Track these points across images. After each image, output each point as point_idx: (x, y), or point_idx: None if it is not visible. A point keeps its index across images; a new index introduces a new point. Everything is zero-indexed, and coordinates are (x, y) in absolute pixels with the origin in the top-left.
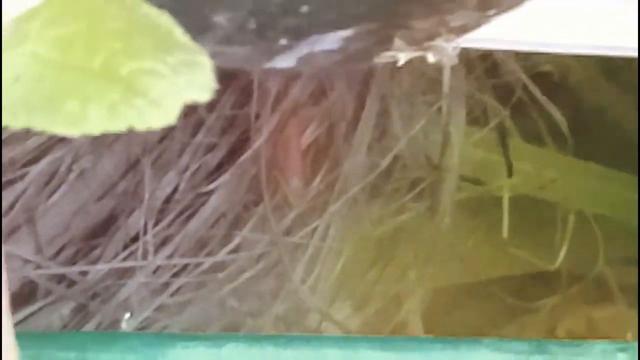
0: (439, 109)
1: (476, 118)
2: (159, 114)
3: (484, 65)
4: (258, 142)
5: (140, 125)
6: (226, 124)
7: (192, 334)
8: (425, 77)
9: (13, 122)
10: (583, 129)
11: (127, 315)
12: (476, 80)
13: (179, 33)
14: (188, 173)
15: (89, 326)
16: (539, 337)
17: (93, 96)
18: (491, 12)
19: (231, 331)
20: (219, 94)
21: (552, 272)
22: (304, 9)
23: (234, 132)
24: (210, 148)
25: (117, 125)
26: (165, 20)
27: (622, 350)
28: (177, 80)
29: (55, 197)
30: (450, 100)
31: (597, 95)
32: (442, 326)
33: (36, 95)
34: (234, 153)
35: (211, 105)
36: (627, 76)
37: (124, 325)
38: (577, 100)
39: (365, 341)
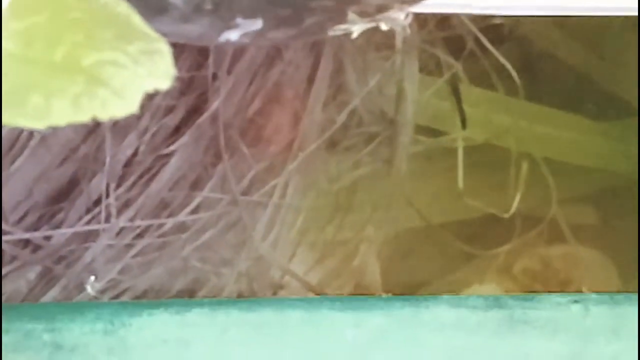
0: (393, 64)
1: (430, 71)
2: (121, 104)
3: (435, 19)
4: (216, 103)
5: (104, 116)
6: (184, 86)
7: (157, 301)
8: (378, 33)
9: None
10: (533, 74)
11: (92, 278)
12: (428, 34)
13: (138, 21)
14: (148, 135)
15: (55, 290)
16: (496, 278)
17: (56, 89)
18: None
19: (195, 289)
20: (176, 56)
21: (507, 219)
22: None
23: (192, 93)
24: (169, 110)
25: (81, 117)
26: (124, 8)
27: (576, 302)
28: (138, 70)
29: (17, 163)
30: (403, 54)
31: (548, 41)
32: (399, 273)
33: (2, 89)
34: (192, 115)
35: None
36: (574, 20)
37: (89, 289)
38: (527, 47)
39: (326, 301)
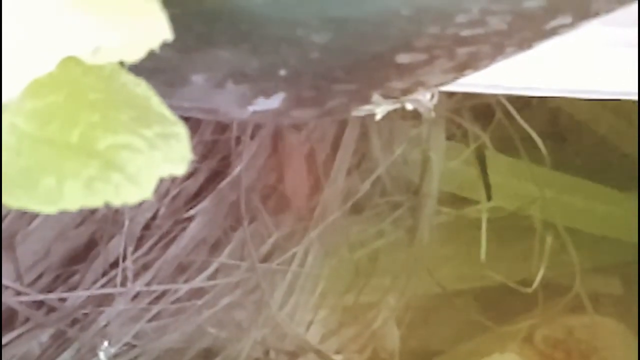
0: (420, 133)
1: (456, 141)
2: (135, 190)
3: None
4: (238, 168)
5: (117, 201)
6: (206, 150)
7: None
8: None
9: None
10: (561, 143)
11: (105, 343)
12: (456, 103)
13: (156, 103)
14: (168, 199)
15: (68, 353)
16: (516, 348)
17: (70, 172)
18: (467, 72)
19: (210, 356)
20: (200, 119)
21: (529, 294)
22: (282, 72)
23: (214, 157)
24: (191, 173)
25: (94, 201)
26: (143, 89)
27: None
28: (154, 154)
29: (35, 223)
30: (429, 124)
31: (576, 110)
32: (419, 340)
33: (13, 170)
34: (214, 178)
35: (192, 130)
36: None
37: (101, 355)
38: (555, 116)
39: None
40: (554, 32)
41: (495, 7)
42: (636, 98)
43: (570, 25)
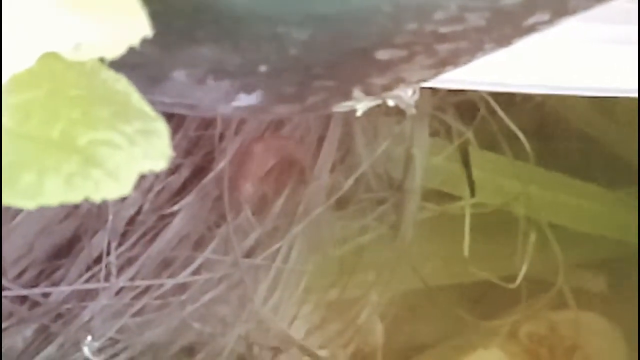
0: (403, 129)
1: (440, 137)
2: (115, 185)
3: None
4: (222, 164)
5: (97, 196)
6: (190, 145)
7: None
8: None
9: None
10: (545, 139)
11: (89, 338)
12: (440, 99)
13: (136, 99)
14: (152, 194)
15: (52, 347)
16: (501, 343)
17: (50, 168)
18: (447, 68)
19: (194, 351)
20: (184, 114)
21: (512, 290)
22: (263, 68)
23: (198, 153)
24: (175, 169)
25: (74, 197)
26: (123, 85)
27: None
28: (134, 150)
29: (18, 218)
30: (413, 120)
31: (560, 106)
32: (403, 336)
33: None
34: (197, 174)
35: (176, 126)
36: None
37: (85, 350)
38: (540, 112)
39: None
40: (532, 28)
41: (473, 4)
42: (618, 94)
43: (549, 22)
